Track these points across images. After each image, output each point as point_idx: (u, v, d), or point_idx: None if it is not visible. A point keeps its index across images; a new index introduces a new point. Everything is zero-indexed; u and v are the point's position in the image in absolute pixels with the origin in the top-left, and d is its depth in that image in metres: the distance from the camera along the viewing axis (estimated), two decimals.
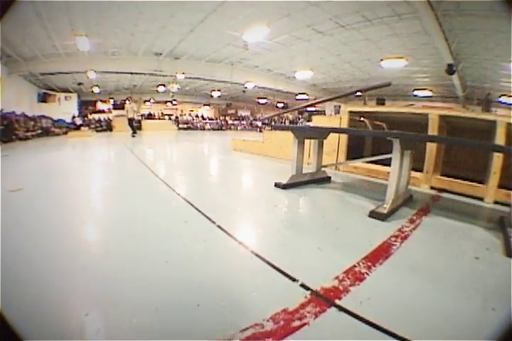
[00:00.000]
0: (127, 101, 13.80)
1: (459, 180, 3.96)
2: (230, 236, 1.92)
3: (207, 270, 1.54)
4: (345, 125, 4.86)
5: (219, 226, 2.07)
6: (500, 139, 3.55)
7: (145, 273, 1.51)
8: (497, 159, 3.51)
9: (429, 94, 22.59)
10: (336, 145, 4.92)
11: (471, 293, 1.47)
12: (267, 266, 1.58)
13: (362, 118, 5.03)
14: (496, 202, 3.58)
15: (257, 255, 1.68)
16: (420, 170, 4.11)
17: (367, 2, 11.32)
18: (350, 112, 4.89)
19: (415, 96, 23.19)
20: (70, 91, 26.58)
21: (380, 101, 24.02)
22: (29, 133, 15.35)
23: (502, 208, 3.26)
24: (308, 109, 26.40)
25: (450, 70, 14.98)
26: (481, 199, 3.68)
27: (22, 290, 1.45)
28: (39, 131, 17.03)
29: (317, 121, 5.64)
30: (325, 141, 3.83)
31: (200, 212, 2.39)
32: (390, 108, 4.98)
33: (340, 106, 23.17)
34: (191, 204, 2.58)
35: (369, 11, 11.89)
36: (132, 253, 1.71)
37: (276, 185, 3.37)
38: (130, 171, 4.62)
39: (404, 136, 2.64)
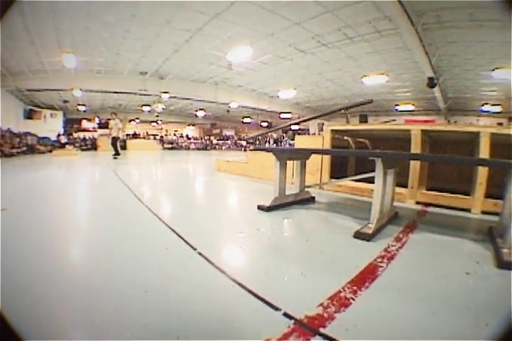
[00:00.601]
0: (111, 117, 13.40)
1: (444, 193, 3.97)
2: (211, 263, 1.85)
3: (187, 300, 1.47)
4: (327, 144, 4.87)
5: (200, 253, 2.00)
6: (484, 149, 3.61)
7: (123, 303, 1.45)
8: (482, 170, 3.56)
9: (411, 108, 23.00)
10: (319, 164, 4.92)
11: (462, 311, 1.45)
12: (249, 294, 1.52)
13: (345, 137, 5.04)
14: (483, 212, 3.58)
15: (238, 283, 1.62)
16: (405, 186, 4.10)
17: (348, 20, 11.51)
18: (333, 131, 4.90)
19: (397, 110, 23.56)
20: (56, 109, 26.53)
21: (363, 118, 24.22)
22: (14, 150, 15.24)
23: (490, 218, 3.27)
24: (293, 127, 26.53)
25: (431, 83, 15.25)
26: (468, 210, 3.70)
27: None
28: (24, 148, 16.90)
29: (300, 141, 5.64)
30: (308, 161, 3.81)
31: (181, 237, 2.32)
32: (371, 126, 5.00)
33: (323, 124, 23.35)
34: (172, 230, 2.51)
35: (350, 29, 12.10)
36: (109, 282, 1.63)
37: (260, 207, 3.31)
38: (112, 194, 4.54)
39: (387, 155, 2.62)
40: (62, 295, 1.51)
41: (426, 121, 24.09)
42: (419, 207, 3.93)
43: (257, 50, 13.54)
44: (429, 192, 4.19)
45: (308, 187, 3.89)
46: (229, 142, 34.64)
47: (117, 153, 13.08)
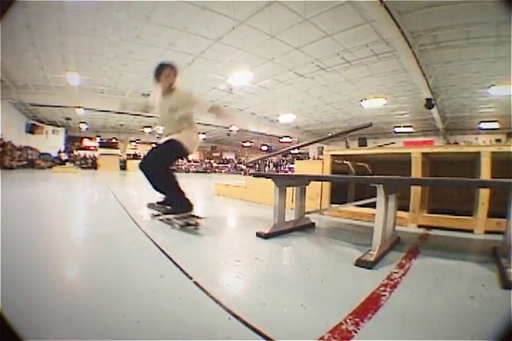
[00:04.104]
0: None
1: (446, 215, 3.96)
2: (206, 293, 1.78)
3: (181, 332, 1.40)
4: (327, 169, 4.86)
5: (195, 282, 1.93)
6: (486, 169, 3.63)
7: (114, 332, 1.38)
8: (483, 189, 3.57)
9: (410, 129, 23.18)
10: (319, 189, 4.89)
11: (465, 337, 1.41)
12: (246, 327, 1.45)
13: (344, 161, 5.02)
14: (487, 232, 3.58)
15: (235, 315, 1.54)
16: (406, 209, 4.07)
17: (347, 44, 11.71)
18: (333, 156, 4.90)
19: (396, 132, 23.73)
20: (58, 125, 26.70)
21: (362, 142, 24.39)
22: (14, 163, 15.21)
23: (493, 237, 3.26)
24: (292, 151, 26.72)
25: (429, 105, 15.45)
26: (471, 231, 3.69)
27: None
28: (24, 162, 16.89)
29: (300, 166, 5.63)
30: (308, 186, 3.79)
31: (177, 265, 2.25)
32: (371, 150, 4.98)
33: (323, 148, 23.61)
34: (168, 257, 2.45)
35: (348, 53, 12.33)
36: (100, 310, 1.56)
37: (258, 234, 3.25)
38: (109, 215, 4.54)
39: (388, 181, 2.60)
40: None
41: (425, 142, 24.35)
42: (421, 231, 3.88)
43: (257, 75, 13.78)
44: (431, 214, 4.15)
45: (308, 213, 3.85)
46: (229, 165, 34.74)
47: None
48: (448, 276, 2.27)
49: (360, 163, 5.17)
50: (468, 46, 11.70)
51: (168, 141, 3.81)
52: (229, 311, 1.59)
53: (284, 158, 32.25)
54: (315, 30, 10.72)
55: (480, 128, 22.40)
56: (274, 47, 11.78)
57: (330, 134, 6.31)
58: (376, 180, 2.61)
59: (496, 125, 21.41)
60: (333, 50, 12.09)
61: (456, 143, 22.85)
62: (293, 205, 3.77)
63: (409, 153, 4.21)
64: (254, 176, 3.69)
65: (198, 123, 16.60)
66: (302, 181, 3.71)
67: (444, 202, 4.63)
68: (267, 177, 3.53)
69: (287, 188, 3.52)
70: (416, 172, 4.14)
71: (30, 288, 1.66)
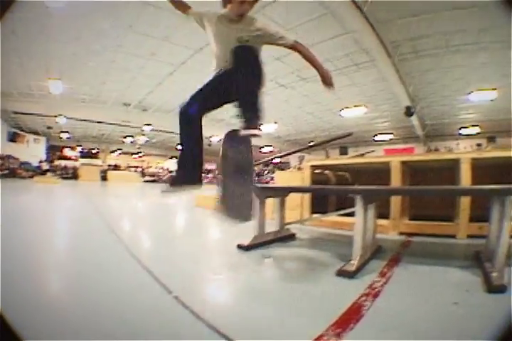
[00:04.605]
0: None
1: (427, 222, 3.98)
2: (186, 308, 1.74)
3: None
4: (307, 180, 4.82)
5: (176, 297, 1.89)
6: (466, 176, 3.69)
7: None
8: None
9: (390, 137, 23.44)
10: (299, 199, 4.82)
11: None
12: None
13: (325, 171, 5.01)
14: (469, 236, 3.62)
15: (217, 331, 1.51)
16: (387, 217, 4.09)
17: (327, 54, 11.82)
18: (312, 166, 4.89)
19: (376, 140, 23.98)
20: (39, 134, 26.17)
21: (343, 150, 24.71)
22: None
23: (476, 241, 3.24)
24: (274, 160, 26.84)
25: (408, 112, 15.70)
26: (453, 236, 3.74)
27: None
28: (6, 171, 16.62)
29: (280, 177, 5.60)
30: (288, 196, 3.76)
31: (156, 279, 2.21)
32: (350, 159, 5.02)
33: (304, 156, 23.71)
34: (147, 270, 2.41)
35: (329, 62, 12.45)
36: (71, 329, 1.49)
37: (239, 246, 3.21)
38: (86, 228, 4.41)
39: (367, 191, 2.62)
40: None
41: (405, 150, 24.69)
42: (402, 238, 3.89)
43: None
44: (412, 221, 4.18)
45: (288, 224, 3.82)
46: (210, 176, 34.42)
47: None
48: (431, 283, 2.28)
49: (340, 172, 5.17)
50: (447, 54, 11.93)
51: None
52: (209, 325, 1.56)
53: (265, 168, 32.19)
54: (296, 39, 10.80)
55: (460, 134, 22.83)
56: None
57: (310, 144, 6.34)
58: (354, 191, 2.66)
59: (476, 130, 21.84)
60: None
61: (437, 150, 23.19)
62: (273, 216, 3.76)
63: (389, 162, 4.24)
64: None
65: (171, 132, 16.43)
66: (281, 192, 3.68)
67: (426, 208, 4.63)
68: None
69: (268, 199, 3.50)
70: (395, 181, 4.16)
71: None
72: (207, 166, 38.63)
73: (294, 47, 2.82)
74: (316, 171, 4.96)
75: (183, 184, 2.74)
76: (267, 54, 10.46)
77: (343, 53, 11.96)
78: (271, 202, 3.65)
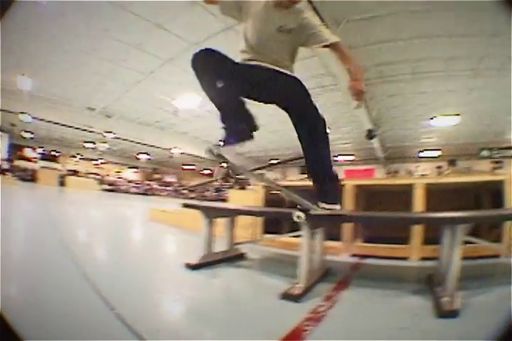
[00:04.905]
0: None
1: (380, 245, 3.99)
2: (128, 327, 1.69)
3: None
4: (260, 200, 4.79)
5: (117, 314, 1.83)
6: (418, 201, 3.80)
7: None
8: None
9: (351, 158, 23.94)
10: (252, 218, 4.68)
11: None
12: None
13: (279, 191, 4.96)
14: (423, 259, 3.63)
15: None
16: (339, 239, 4.10)
17: (296, 72, 11.92)
18: (266, 186, 4.81)
19: (337, 161, 24.40)
20: (3, 130, 25.04)
21: (303, 170, 24.79)
22: None
23: (429, 264, 3.23)
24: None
25: (370, 135, 16.09)
26: (406, 259, 3.75)
27: None
28: None
29: (234, 196, 5.55)
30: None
31: (100, 296, 2.12)
32: (304, 181, 5.01)
33: (263, 175, 23.85)
34: (92, 287, 2.30)
35: None
36: None
37: (187, 265, 3.14)
38: (32, 237, 4.25)
39: (313, 218, 2.56)
40: None
41: (366, 171, 25.31)
42: (354, 260, 3.88)
43: (204, 99, 13.80)
44: (364, 244, 4.20)
45: (238, 244, 3.77)
46: (170, 188, 33.97)
47: None
48: (378, 307, 2.27)
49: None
50: (413, 80, 12.37)
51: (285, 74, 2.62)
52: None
53: (225, 184, 31.92)
54: None
55: (420, 157, 23.59)
56: None
57: (270, 162, 6.36)
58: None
59: (436, 153, 22.87)
60: None
61: (397, 172, 23.90)
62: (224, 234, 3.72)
63: (343, 185, 4.24)
64: (183, 206, 3.58)
65: (138, 143, 16.23)
66: (229, 213, 3.64)
67: (380, 229, 4.50)
68: (194, 208, 3.46)
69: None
70: (349, 204, 4.18)
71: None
72: (167, 178, 38.23)
73: (336, 46, 2.52)
74: (271, 191, 4.88)
75: (235, 141, 2.68)
76: None
77: (311, 74, 12.20)
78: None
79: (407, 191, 4.02)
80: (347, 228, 4.14)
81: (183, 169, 32.42)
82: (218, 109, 2.71)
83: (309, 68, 11.60)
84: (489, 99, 13.27)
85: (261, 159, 26.18)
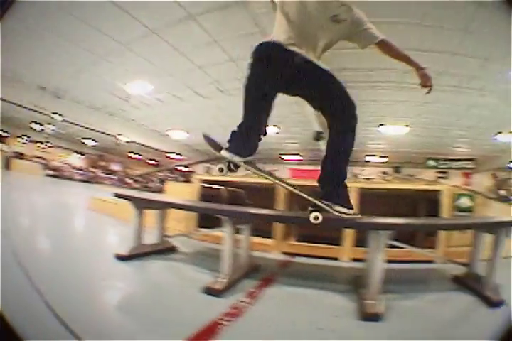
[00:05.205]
0: None
1: (311, 244, 4.04)
2: (55, 315, 1.68)
3: None
4: (195, 194, 4.75)
5: (46, 302, 1.81)
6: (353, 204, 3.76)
7: None
8: None
9: (298, 158, 24.27)
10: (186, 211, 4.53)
11: None
12: None
13: (221, 187, 4.93)
14: (355, 260, 3.67)
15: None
16: (271, 237, 4.14)
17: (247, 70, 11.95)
18: (203, 180, 4.89)
19: (283, 159, 24.68)
20: None
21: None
22: None
23: (358, 265, 3.25)
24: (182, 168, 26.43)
25: (317, 137, 16.28)
26: (337, 259, 3.82)
27: None
28: None
29: (172, 189, 5.49)
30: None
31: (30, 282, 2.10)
32: (241, 178, 5.00)
33: (209, 168, 23.84)
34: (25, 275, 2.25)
35: None
36: None
37: (117, 256, 3.11)
38: None
39: (235, 214, 2.67)
40: None
41: (312, 171, 25.53)
42: (284, 258, 3.91)
43: (156, 87, 13.60)
44: (297, 242, 4.25)
45: (168, 237, 3.74)
46: (115, 177, 32.97)
47: None
48: (300, 306, 2.29)
49: (235, 189, 5.12)
50: (368, 88, 12.58)
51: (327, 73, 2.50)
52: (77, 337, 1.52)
53: (170, 175, 31.45)
54: (222, 53, 10.84)
55: (366, 161, 24.26)
56: (179, 63, 11.66)
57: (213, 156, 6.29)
58: (221, 212, 2.71)
59: (383, 159, 23.67)
60: (235, 74, 12.26)
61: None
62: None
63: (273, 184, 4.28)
64: (114, 196, 3.51)
65: (87, 128, 15.67)
66: (160, 205, 3.59)
67: (314, 229, 4.64)
68: (125, 199, 3.41)
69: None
70: (279, 203, 4.24)
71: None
72: (113, 166, 37.07)
73: (383, 45, 2.60)
74: (209, 186, 4.90)
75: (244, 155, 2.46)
76: (191, 61, 10.33)
77: None
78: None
79: None
80: (278, 226, 4.18)
81: (129, 158, 31.48)
82: (251, 110, 2.52)
83: None
84: (442, 113, 13.85)
85: (209, 152, 25.91)
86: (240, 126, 2.49)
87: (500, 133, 17.36)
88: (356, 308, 2.18)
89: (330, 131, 2.49)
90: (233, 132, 2.50)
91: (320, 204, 2.23)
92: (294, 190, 2.37)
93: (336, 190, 2.36)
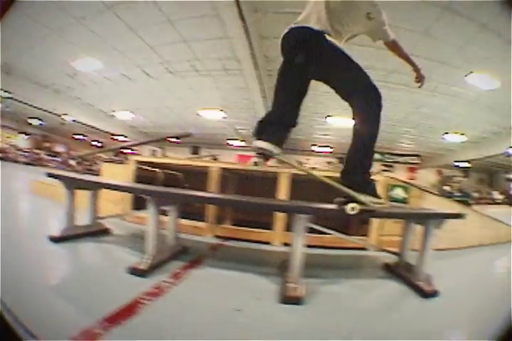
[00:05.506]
0: None
1: (244, 228, 4.13)
2: None
3: None
4: (131, 176, 4.67)
5: None
6: (283, 189, 4.05)
7: None
8: None
9: (244, 144, 24.47)
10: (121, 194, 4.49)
11: None
12: None
13: (154, 169, 4.90)
14: (285, 244, 3.76)
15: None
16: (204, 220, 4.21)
17: (201, 53, 11.92)
18: (140, 162, 4.81)
19: (230, 145, 24.79)
20: None
21: (194, 150, 25.07)
22: None
23: (288, 249, 3.17)
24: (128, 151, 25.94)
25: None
26: (269, 243, 3.91)
27: None
28: None
29: (107, 171, 5.38)
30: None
31: None
32: (175, 160, 5.04)
33: (155, 151, 23.60)
34: None
35: (200, 62, 12.44)
36: None
37: (50, 238, 3.09)
38: None
39: (157, 194, 2.68)
40: None
41: None
42: (216, 241, 3.97)
43: (105, 64, 13.26)
44: (229, 226, 4.36)
45: (102, 218, 3.71)
46: (59, 159, 31.59)
47: None
48: (223, 287, 2.35)
49: (173, 172, 5.14)
50: None
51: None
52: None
53: (116, 157, 30.59)
54: (174, 32, 10.69)
55: (312, 151, 24.79)
56: (131, 41, 11.42)
57: (152, 139, 6.24)
58: (145, 191, 2.72)
59: (329, 149, 24.92)
60: (186, 56, 12.19)
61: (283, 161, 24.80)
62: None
63: (208, 167, 4.39)
64: (47, 176, 3.45)
65: (29, 104, 14.95)
66: (92, 185, 3.57)
67: (250, 213, 4.66)
68: (54, 178, 3.32)
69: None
70: (213, 186, 4.28)
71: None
72: (58, 148, 35.45)
73: (393, 44, 2.85)
74: (146, 168, 4.85)
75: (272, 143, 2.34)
76: (143, 40, 10.09)
77: (216, 56, 12.19)
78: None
79: (275, 179, 4.20)
80: (211, 209, 4.23)
81: (73, 138, 30.31)
82: (286, 98, 2.49)
83: (216, 49, 11.62)
84: (392, 109, 14.32)
85: (155, 135, 25.29)
86: (269, 116, 2.46)
87: (447, 133, 18.28)
88: (278, 291, 2.23)
89: (355, 120, 2.51)
90: (261, 122, 2.45)
91: (355, 195, 2.29)
92: (328, 181, 2.37)
93: (365, 180, 2.45)
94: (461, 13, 8.36)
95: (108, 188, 3.31)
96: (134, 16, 10.04)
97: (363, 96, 2.47)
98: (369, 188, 2.42)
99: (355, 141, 2.49)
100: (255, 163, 2.38)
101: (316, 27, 2.34)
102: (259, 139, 2.34)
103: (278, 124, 2.39)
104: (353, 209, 2.21)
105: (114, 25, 10.51)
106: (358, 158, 2.48)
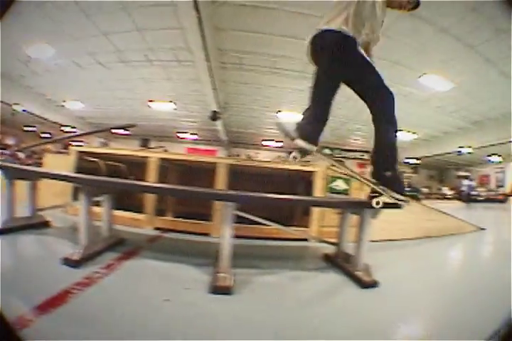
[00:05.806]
0: None
1: (184, 220, 4.21)
2: None
3: None
4: (71, 166, 4.59)
5: None
6: (220, 178, 4.14)
7: None
8: None
9: (194, 137, 24.37)
10: (66, 185, 4.25)
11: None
12: None
13: (95, 159, 4.85)
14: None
15: None
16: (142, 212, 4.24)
17: (154, 43, 11.80)
18: (81, 152, 4.74)
19: (180, 138, 24.66)
20: None
21: (144, 142, 24.82)
22: None
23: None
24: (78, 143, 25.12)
25: (213, 117, 16.63)
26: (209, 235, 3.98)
27: None
28: None
29: (49, 161, 5.30)
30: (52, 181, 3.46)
31: None
32: (116, 150, 5.06)
33: (104, 143, 23.14)
34: None
35: (152, 52, 12.30)
36: None
37: None
38: None
39: (89, 182, 2.70)
40: None
41: (207, 151, 25.95)
42: (155, 233, 4.03)
43: (58, 51, 12.86)
44: (169, 218, 4.43)
45: (40, 210, 3.70)
46: (7, 152, 30.03)
47: None
48: (154, 278, 2.41)
49: (116, 163, 5.14)
50: (269, 74, 12.91)
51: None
52: None
53: (63, 150, 29.48)
54: (128, 20, 10.53)
55: (263, 145, 25.07)
56: (85, 27, 11.06)
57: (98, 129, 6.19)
58: (76, 180, 2.77)
59: (279, 144, 25.02)
60: (139, 45, 12.04)
61: (238, 155, 25.05)
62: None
63: (147, 157, 4.42)
64: None
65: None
66: (32, 175, 3.53)
67: (190, 205, 4.79)
68: None
69: None
70: (152, 176, 4.30)
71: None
72: (7, 140, 33.74)
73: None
74: (88, 158, 4.81)
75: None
76: (97, 26, 9.82)
77: (170, 46, 12.17)
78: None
79: (213, 168, 4.29)
80: (151, 201, 4.27)
81: (24, 130, 29.02)
82: (322, 99, 2.63)
83: (168, 40, 11.61)
84: (344, 107, 14.48)
85: (103, 126, 24.71)
86: (307, 115, 2.61)
87: (400, 130, 18.82)
88: (209, 282, 2.26)
89: (377, 120, 2.70)
90: (301, 120, 2.61)
91: (383, 192, 2.51)
92: (362, 179, 2.67)
93: (393, 176, 2.58)
94: (421, 16, 8.67)
95: (44, 177, 3.34)
96: (89, 1, 9.81)
97: (383, 98, 2.68)
98: (396, 185, 2.59)
99: (380, 142, 2.69)
100: (294, 157, 2.59)
101: (347, 31, 2.47)
102: (300, 138, 2.47)
103: (314, 122, 2.56)
104: (377, 203, 2.48)
105: (68, 9, 10.19)
106: (385, 159, 2.66)
